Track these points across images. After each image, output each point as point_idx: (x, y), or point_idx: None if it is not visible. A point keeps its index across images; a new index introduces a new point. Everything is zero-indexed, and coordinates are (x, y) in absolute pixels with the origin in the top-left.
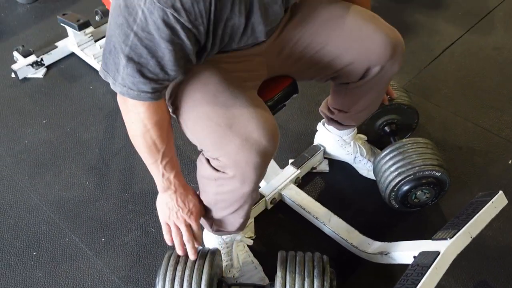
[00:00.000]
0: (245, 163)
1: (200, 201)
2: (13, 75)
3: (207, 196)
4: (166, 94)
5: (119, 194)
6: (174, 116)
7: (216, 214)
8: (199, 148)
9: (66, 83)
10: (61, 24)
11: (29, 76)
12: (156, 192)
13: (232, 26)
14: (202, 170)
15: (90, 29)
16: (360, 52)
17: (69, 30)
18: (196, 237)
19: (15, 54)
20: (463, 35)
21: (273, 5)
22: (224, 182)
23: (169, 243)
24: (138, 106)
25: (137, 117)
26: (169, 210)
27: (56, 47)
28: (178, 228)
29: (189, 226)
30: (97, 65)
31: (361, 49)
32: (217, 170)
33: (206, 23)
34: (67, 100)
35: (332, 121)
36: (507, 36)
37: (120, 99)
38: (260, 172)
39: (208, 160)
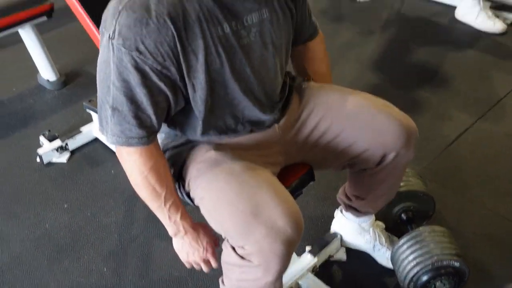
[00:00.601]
0: (270, 252)
1: (211, 230)
2: (38, 159)
3: (230, 282)
4: (187, 187)
5: (137, 281)
6: (196, 205)
7: None
8: (223, 236)
9: (88, 167)
10: (87, 110)
11: (54, 160)
12: (173, 280)
13: (215, 70)
14: (227, 256)
15: None
16: (376, 139)
17: (94, 115)
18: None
19: (41, 138)
20: (475, 122)
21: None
22: (248, 270)
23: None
24: (132, 154)
25: (133, 165)
26: (186, 253)
27: (80, 132)
28: (199, 264)
29: (208, 262)
30: None
31: (376, 136)
32: (243, 258)
33: (176, 63)
34: (89, 185)
35: (350, 208)
36: None
37: (117, 152)
38: (285, 261)
39: (233, 248)
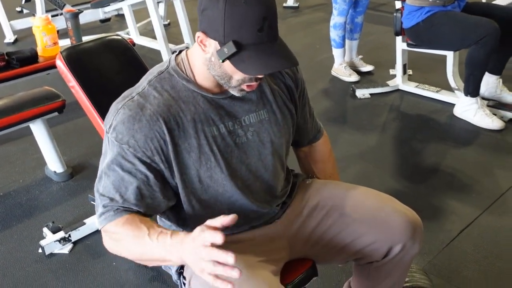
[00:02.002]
0: None
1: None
2: (40, 250)
3: None
4: (187, 285)
5: None
6: None
7: None
8: None
9: (90, 259)
10: (91, 202)
11: (55, 251)
12: None
13: (210, 168)
14: None
15: None
16: (382, 232)
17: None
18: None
19: (45, 230)
20: (479, 216)
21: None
22: None
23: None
24: (106, 232)
25: (113, 235)
26: (197, 264)
27: (84, 223)
28: (214, 262)
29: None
30: None
31: (382, 229)
32: None
33: (165, 160)
34: (90, 277)
35: None
36: None
37: (103, 239)
38: None
39: None
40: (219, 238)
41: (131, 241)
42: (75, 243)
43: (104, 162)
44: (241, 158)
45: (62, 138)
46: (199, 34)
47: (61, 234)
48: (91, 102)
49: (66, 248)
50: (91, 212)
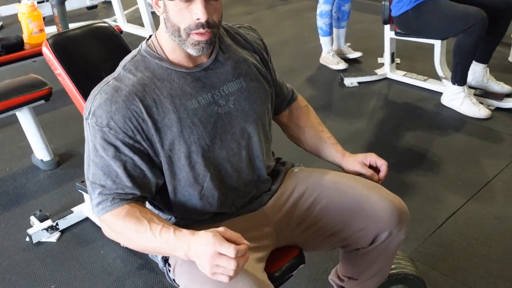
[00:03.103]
0: None
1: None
2: (27, 239)
3: None
4: (172, 273)
5: None
6: None
7: None
8: None
9: (78, 247)
10: (79, 190)
11: (43, 240)
12: None
13: (194, 141)
14: None
15: None
16: (369, 219)
17: (86, 196)
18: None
19: (32, 218)
20: (464, 204)
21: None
22: None
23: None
24: (106, 220)
25: (115, 227)
26: (209, 263)
27: (72, 212)
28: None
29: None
30: None
31: (369, 216)
32: None
33: (146, 138)
34: (78, 265)
35: None
36: (508, 205)
37: (101, 225)
38: None
39: None
40: (243, 251)
41: (133, 234)
42: (62, 231)
43: (88, 149)
44: (225, 128)
45: (49, 126)
46: None
47: (48, 222)
48: (78, 90)
49: (53, 237)
50: (78, 200)
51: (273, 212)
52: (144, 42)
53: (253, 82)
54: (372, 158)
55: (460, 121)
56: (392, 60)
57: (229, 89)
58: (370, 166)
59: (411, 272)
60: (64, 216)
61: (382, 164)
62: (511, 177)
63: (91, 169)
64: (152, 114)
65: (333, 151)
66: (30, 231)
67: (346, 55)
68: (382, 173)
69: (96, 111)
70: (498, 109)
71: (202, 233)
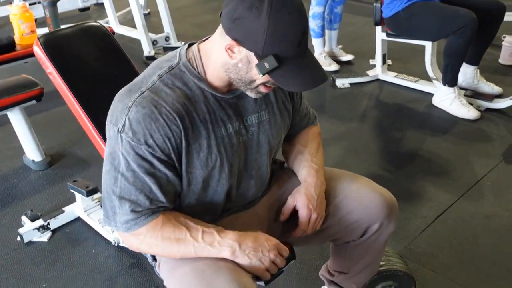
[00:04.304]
0: None
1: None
2: (18, 238)
3: None
4: (157, 267)
5: None
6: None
7: None
8: None
9: (69, 247)
10: (71, 190)
11: (34, 239)
12: None
13: (214, 167)
14: None
15: (97, 195)
16: (359, 213)
17: (78, 195)
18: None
19: (23, 218)
20: (454, 202)
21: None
22: None
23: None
24: (139, 235)
25: (147, 242)
26: (259, 260)
27: (63, 211)
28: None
29: (278, 253)
30: (101, 230)
31: (360, 210)
32: None
33: (179, 158)
34: (69, 264)
35: (332, 283)
36: (497, 204)
37: (126, 240)
38: None
39: None
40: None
41: (171, 244)
42: (54, 231)
43: (117, 162)
44: (239, 156)
45: (41, 127)
46: (230, 42)
47: (40, 222)
48: (69, 89)
49: (45, 236)
50: (70, 200)
51: (263, 210)
52: (183, 52)
53: (275, 117)
54: (300, 208)
55: (450, 121)
56: (384, 62)
57: (252, 120)
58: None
59: (400, 268)
60: (56, 216)
61: (300, 217)
62: (500, 176)
63: (118, 183)
64: (187, 136)
65: (303, 171)
66: (21, 230)
67: (338, 57)
68: (299, 225)
69: (134, 126)
70: (488, 110)
71: (252, 232)
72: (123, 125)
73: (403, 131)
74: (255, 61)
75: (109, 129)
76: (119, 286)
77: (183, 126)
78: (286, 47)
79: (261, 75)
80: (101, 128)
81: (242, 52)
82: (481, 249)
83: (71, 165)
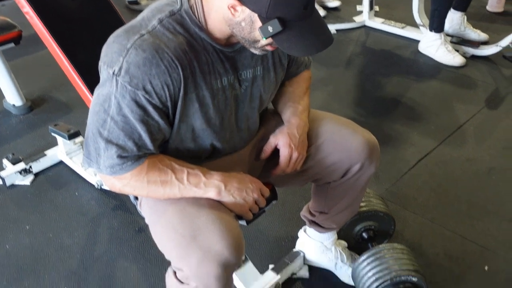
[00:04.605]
0: (207, 275)
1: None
2: (0, 181)
3: None
4: (138, 205)
5: None
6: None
7: None
8: (167, 258)
9: (52, 190)
10: (52, 133)
11: (17, 183)
12: None
13: (207, 119)
14: (169, 283)
15: (79, 139)
16: (341, 154)
17: (59, 139)
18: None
19: (5, 161)
20: (436, 147)
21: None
22: None
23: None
24: (123, 179)
25: (131, 185)
26: (243, 199)
27: (45, 155)
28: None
29: (260, 194)
30: (84, 173)
31: (342, 150)
32: (182, 282)
33: (174, 106)
34: (52, 207)
35: (313, 223)
36: (478, 148)
37: (108, 182)
38: (224, 283)
39: (174, 272)
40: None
41: (157, 187)
42: (36, 174)
43: (107, 104)
44: (231, 110)
45: (21, 72)
46: (232, 1)
47: (21, 165)
48: (47, 28)
49: (27, 180)
50: (52, 144)
51: (246, 151)
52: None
53: (269, 72)
54: (281, 147)
55: (436, 68)
56: (371, 8)
57: (247, 75)
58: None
59: (381, 209)
60: (37, 159)
61: (281, 155)
62: (482, 122)
63: (107, 126)
64: (186, 85)
65: (287, 112)
66: (3, 173)
67: (325, 3)
68: (279, 164)
69: (132, 70)
70: (473, 56)
71: (236, 173)
72: (120, 68)
73: (388, 77)
74: (258, 22)
75: (103, 70)
76: (103, 228)
77: (183, 75)
78: (291, 10)
79: (264, 39)
80: (82, 71)
81: (245, 12)
82: (460, 192)
83: (53, 109)
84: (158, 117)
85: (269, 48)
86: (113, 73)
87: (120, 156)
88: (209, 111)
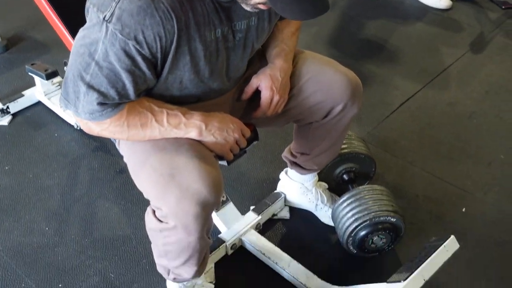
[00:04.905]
0: (185, 213)
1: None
2: None
3: (157, 248)
4: (118, 144)
5: (79, 240)
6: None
7: (169, 264)
8: (145, 197)
9: (31, 130)
10: (29, 73)
11: None
12: (117, 238)
13: (197, 71)
14: (148, 221)
15: (57, 79)
16: (324, 93)
17: (37, 79)
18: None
19: None
20: (419, 90)
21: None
22: (169, 233)
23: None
24: (102, 124)
25: (110, 130)
26: (224, 139)
27: (23, 95)
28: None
29: (241, 134)
30: (63, 114)
31: (325, 90)
32: (161, 221)
33: (163, 58)
34: (31, 147)
35: (294, 165)
36: (460, 92)
37: (86, 126)
38: (203, 222)
39: (154, 211)
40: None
41: (137, 131)
42: (14, 115)
43: (94, 48)
44: (223, 62)
45: None
46: None
47: None
48: None
49: (5, 120)
50: (29, 84)
51: (229, 93)
52: None
53: (264, 22)
54: (262, 89)
55: (422, 10)
56: None
57: (241, 26)
58: None
59: (362, 151)
60: (15, 100)
61: (262, 98)
62: (466, 65)
63: (90, 71)
64: (180, 38)
65: (273, 52)
66: None
67: None
68: (260, 106)
69: (124, 18)
70: None
71: (217, 113)
72: (112, 15)
73: (373, 20)
74: None
75: (92, 13)
76: (83, 169)
77: (177, 27)
78: None
79: None
80: (60, 10)
81: None
82: (441, 135)
83: (30, 48)
84: (146, 68)
85: (261, 6)
86: (104, 19)
87: (100, 103)
88: (199, 63)
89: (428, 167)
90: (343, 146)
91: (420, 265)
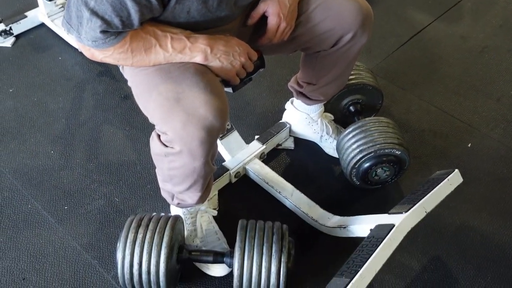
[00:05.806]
0: (190, 138)
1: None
2: None
3: (162, 172)
4: (121, 67)
5: (84, 164)
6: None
7: (174, 189)
8: (150, 121)
9: (34, 53)
10: None
11: None
12: (122, 163)
13: None
14: (153, 146)
15: (61, 0)
16: (334, 21)
17: (40, 0)
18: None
19: None
20: (431, 23)
21: None
22: (174, 158)
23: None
24: (105, 51)
25: (114, 57)
26: (230, 63)
27: (25, 16)
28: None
29: (248, 58)
30: (67, 36)
31: (335, 17)
32: (166, 146)
33: None
34: (35, 70)
35: (300, 94)
36: (474, 25)
37: (89, 52)
38: (208, 147)
39: (159, 136)
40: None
41: (141, 57)
42: (17, 37)
43: None
44: None
45: None
46: None
47: (1, 26)
48: None
49: (8, 42)
50: (32, 5)
51: (239, 19)
52: None
53: None
54: (269, 15)
55: None
56: None
57: None
58: None
59: (370, 83)
60: (18, 21)
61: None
62: None
63: None
64: None
65: None
66: None
67: None
68: (266, 33)
69: None
70: None
71: (223, 36)
72: None
73: None
74: None
75: None
76: (88, 93)
77: None
78: None
79: None
80: None
81: None
82: (451, 69)
83: None
84: None
85: None
86: None
87: (103, 31)
88: None
89: (435, 101)
90: (351, 76)
91: (423, 197)
